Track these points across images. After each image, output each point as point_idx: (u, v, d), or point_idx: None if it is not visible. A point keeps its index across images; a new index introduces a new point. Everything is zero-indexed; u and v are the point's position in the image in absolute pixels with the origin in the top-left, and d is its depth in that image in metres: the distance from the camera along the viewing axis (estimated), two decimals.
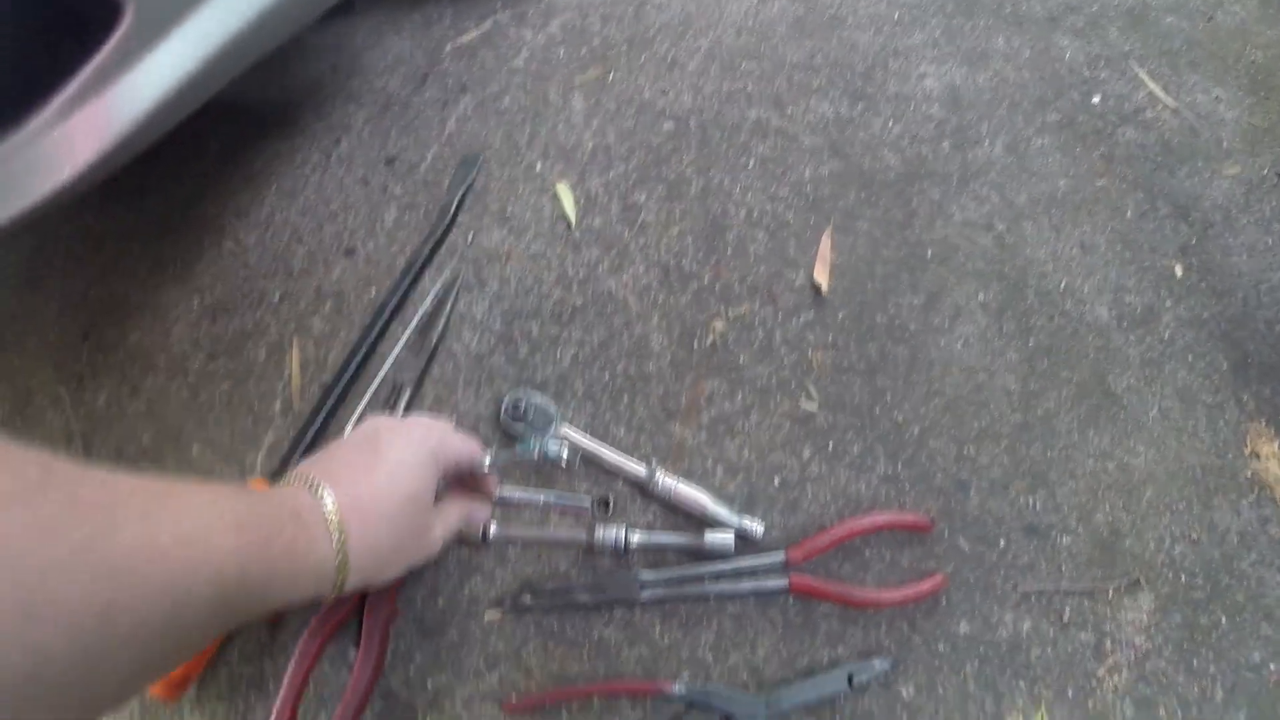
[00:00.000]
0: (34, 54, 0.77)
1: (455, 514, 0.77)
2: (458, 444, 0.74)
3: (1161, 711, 0.82)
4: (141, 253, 1.07)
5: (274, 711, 0.74)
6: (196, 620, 0.44)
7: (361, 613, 0.79)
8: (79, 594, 0.35)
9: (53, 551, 0.35)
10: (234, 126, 1.16)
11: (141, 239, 1.08)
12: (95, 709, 0.39)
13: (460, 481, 0.80)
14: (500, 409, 0.89)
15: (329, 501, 0.58)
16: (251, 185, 1.11)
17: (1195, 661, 0.84)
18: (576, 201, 1.05)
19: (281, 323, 1.00)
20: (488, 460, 0.81)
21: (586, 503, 0.86)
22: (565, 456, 0.85)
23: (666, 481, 0.84)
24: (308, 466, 0.64)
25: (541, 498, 0.86)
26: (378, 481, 0.62)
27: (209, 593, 0.44)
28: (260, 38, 0.91)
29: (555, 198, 1.05)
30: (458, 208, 1.05)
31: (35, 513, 0.35)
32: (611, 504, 0.86)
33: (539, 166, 1.08)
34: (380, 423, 0.70)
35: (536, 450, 0.84)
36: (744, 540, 0.84)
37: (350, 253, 1.04)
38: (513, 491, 0.86)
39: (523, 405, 0.87)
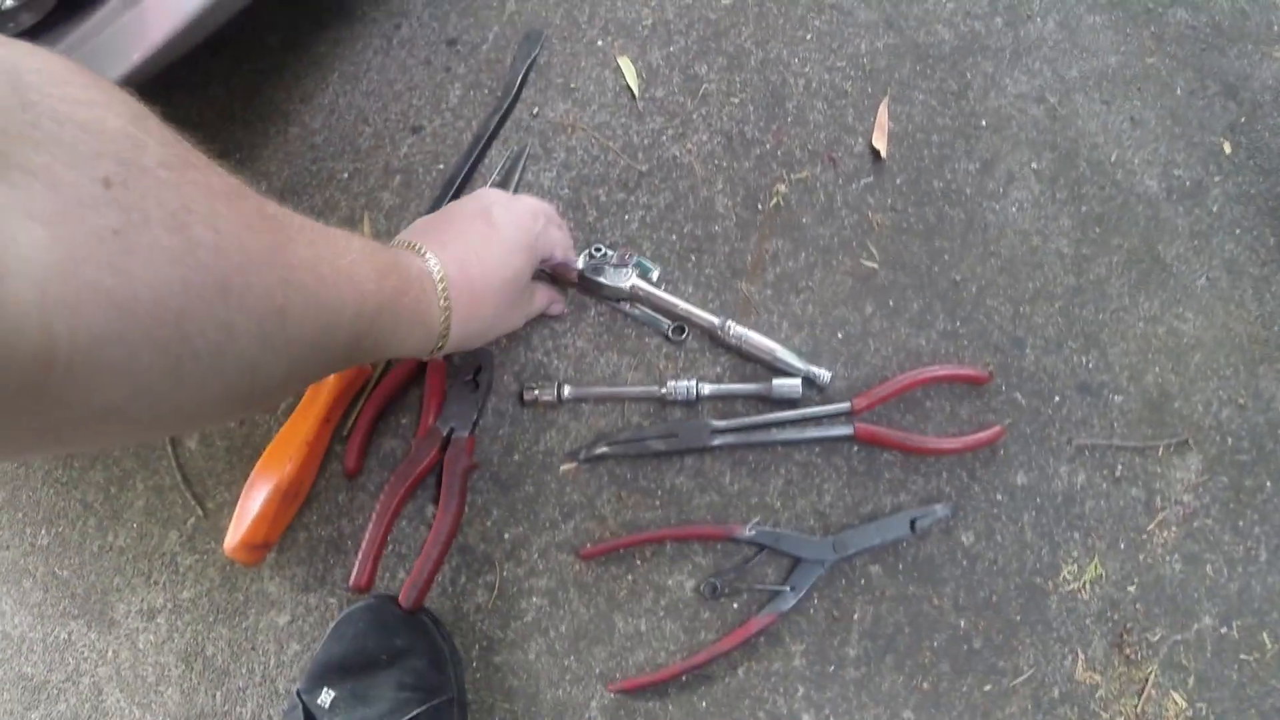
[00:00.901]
0: None
1: (542, 297, 0.73)
2: (557, 234, 0.69)
3: (1208, 569, 0.73)
4: (207, 140, 0.93)
5: (354, 568, 0.66)
6: (336, 344, 0.43)
7: (440, 469, 0.70)
8: (263, 289, 0.35)
9: (249, 245, 0.35)
10: (293, 16, 1.01)
11: (207, 128, 0.95)
12: (253, 398, 0.39)
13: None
14: (577, 261, 0.77)
15: (437, 272, 0.55)
16: (315, 72, 0.97)
17: (1241, 523, 0.74)
18: (639, 74, 0.90)
19: (352, 198, 0.88)
20: (580, 260, 0.75)
21: (665, 325, 0.76)
22: (656, 275, 0.78)
23: (737, 329, 0.73)
24: (421, 232, 0.60)
25: (626, 307, 0.77)
26: (488, 258, 0.59)
27: (350, 322, 0.43)
28: None
29: (617, 70, 0.91)
30: (522, 83, 0.91)
31: (237, 209, 0.35)
32: (686, 333, 0.76)
33: (600, 42, 0.93)
34: (493, 197, 0.64)
35: (630, 265, 0.77)
36: (810, 387, 0.73)
37: (417, 130, 0.91)
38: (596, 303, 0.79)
39: (601, 252, 0.76)
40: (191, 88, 0.98)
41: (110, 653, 0.72)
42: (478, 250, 0.58)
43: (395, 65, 0.97)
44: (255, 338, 0.35)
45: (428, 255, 0.55)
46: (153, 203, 0.29)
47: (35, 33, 0.67)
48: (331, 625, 0.64)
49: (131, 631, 0.72)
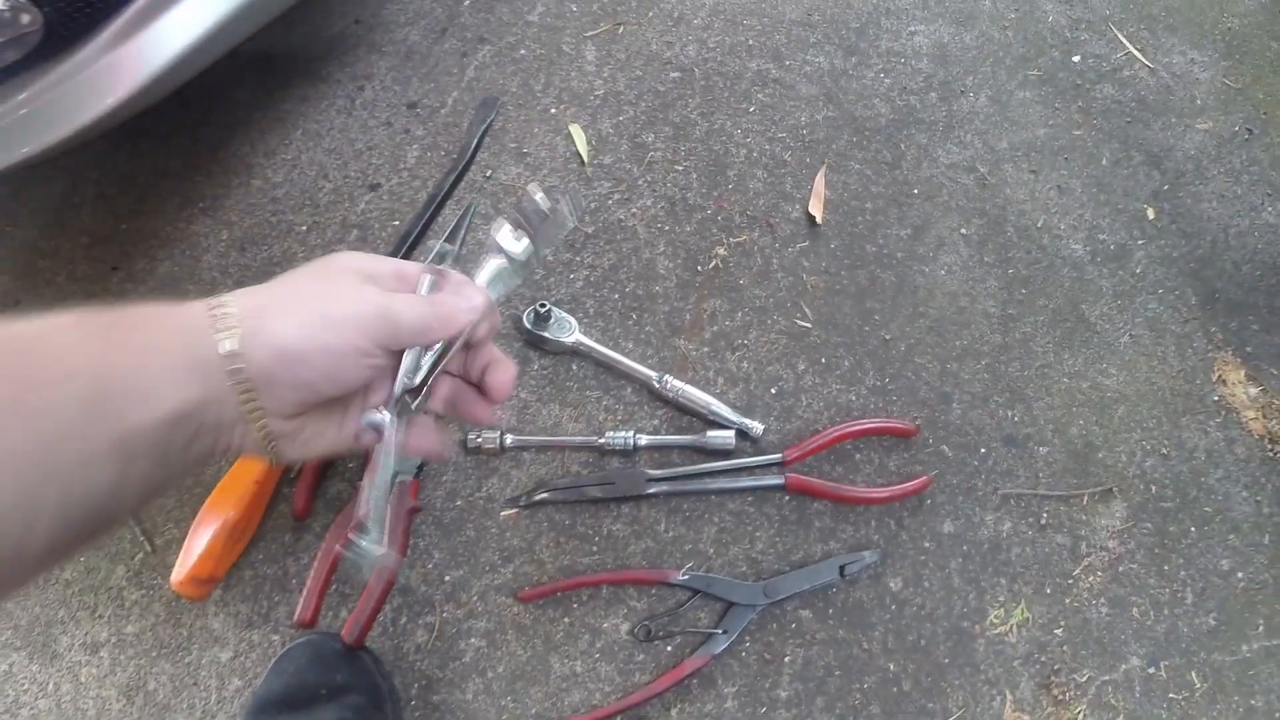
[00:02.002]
0: None
1: (414, 298, 0.47)
2: (449, 300, 0.49)
3: (1135, 611, 0.85)
4: (171, 190, 1.09)
5: (299, 604, 0.77)
6: (71, 433, 0.34)
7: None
8: None
9: None
10: (261, 74, 1.18)
11: (172, 177, 1.10)
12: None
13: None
14: (522, 317, 0.91)
15: (228, 302, 0.41)
16: (279, 128, 1.13)
17: (1166, 567, 0.87)
18: (589, 141, 1.07)
19: (309, 251, 1.02)
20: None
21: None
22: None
23: (675, 383, 0.87)
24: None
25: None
26: (300, 274, 0.44)
27: (66, 392, 0.35)
28: None
29: (569, 138, 1.08)
30: (477, 146, 1.07)
31: None
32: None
33: (553, 110, 1.11)
34: (345, 254, 0.46)
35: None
36: (744, 440, 0.87)
37: (375, 188, 1.06)
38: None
39: (547, 309, 0.90)
40: (159, 137, 1.14)
41: (51, 685, 0.81)
42: (288, 279, 0.44)
43: (357, 125, 1.13)
44: None
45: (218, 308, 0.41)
46: None
47: (15, 70, 0.80)
48: (273, 661, 0.74)
49: (74, 664, 0.81)
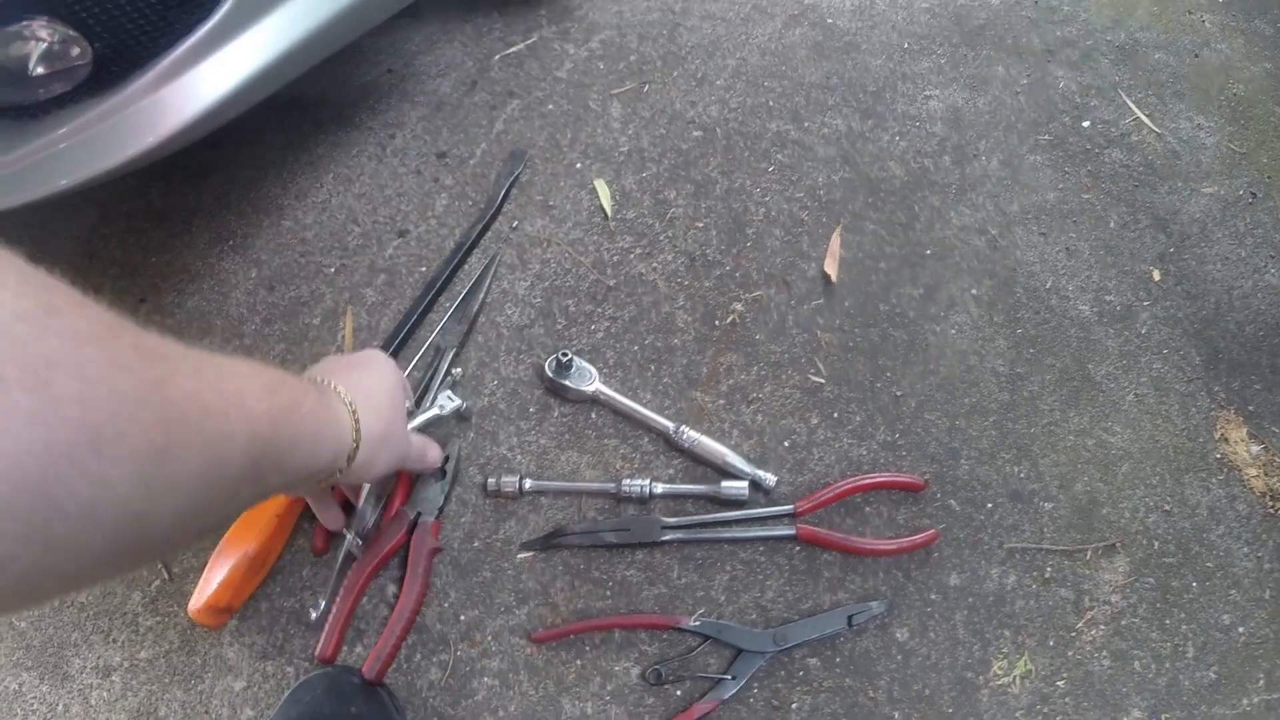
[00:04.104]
0: (144, 20, 0.85)
1: (419, 437, 0.86)
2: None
3: (1136, 664, 0.90)
4: (202, 227, 1.16)
5: (321, 638, 0.83)
6: (229, 475, 0.46)
7: (407, 549, 0.88)
8: (140, 432, 0.37)
9: (122, 388, 0.36)
10: (295, 119, 1.27)
11: (203, 214, 1.18)
12: (144, 551, 0.41)
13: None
14: (545, 366, 0.98)
15: (340, 385, 0.66)
16: (311, 171, 1.21)
17: (1168, 621, 0.92)
18: (612, 196, 1.15)
19: (337, 292, 1.09)
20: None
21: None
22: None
23: (691, 434, 0.93)
24: (308, 372, 0.73)
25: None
26: (373, 374, 0.74)
27: (242, 448, 0.46)
28: (338, 31, 1.00)
29: (593, 192, 1.16)
30: (504, 198, 1.15)
31: (108, 352, 0.37)
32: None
33: (579, 165, 1.19)
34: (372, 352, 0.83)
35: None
36: (757, 490, 0.93)
37: (403, 234, 1.14)
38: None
39: (569, 359, 0.96)
40: (192, 173, 1.22)
41: (61, 707, 0.86)
42: (362, 372, 0.73)
43: (387, 172, 1.21)
44: (135, 485, 0.36)
45: (324, 377, 0.67)
46: (6, 363, 0.31)
47: (62, 102, 0.86)
48: (289, 691, 0.79)
49: (85, 687, 0.86)
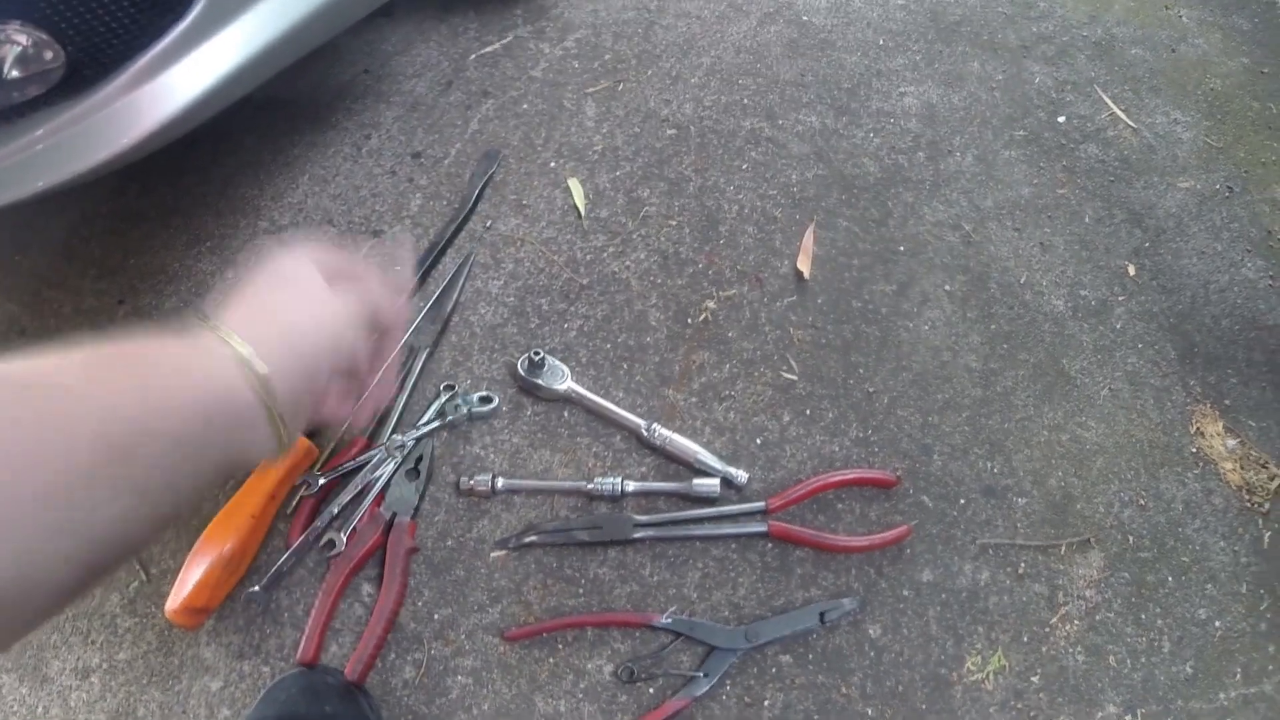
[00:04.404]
0: (116, 23, 0.86)
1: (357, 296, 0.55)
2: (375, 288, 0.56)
3: (1111, 660, 0.90)
4: (180, 227, 1.17)
5: (302, 641, 0.83)
6: (84, 473, 0.36)
7: (384, 549, 0.88)
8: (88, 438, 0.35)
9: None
10: (271, 120, 1.27)
11: (181, 215, 1.18)
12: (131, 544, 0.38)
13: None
14: (517, 364, 0.98)
15: (250, 357, 0.45)
16: (287, 172, 1.21)
17: (1143, 615, 0.92)
18: (586, 195, 1.15)
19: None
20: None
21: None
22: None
23: (662, 432, 0.93)
24: (227, 307, 0.50)
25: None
26: (259, 281, 0.50)
27: (75, 431, 0.36)
28: (312, 32, 1.01)
29: (567, 191, 1.16)
30: (478, 197, 1.15)
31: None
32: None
33: (553, 164, 1.19)
34: (282, 257, 0.54)
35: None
36: (728, 488, 0.93)
37: (378, 234, 1.14)
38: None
39: (541, 357, 0.97)
40: (170, 174, 1.22)
41: (40, 708, 0.86)
42: (249, 286, 0.50)
43: (363, 172, 1.22)
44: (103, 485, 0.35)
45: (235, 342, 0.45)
46: None
47: (37, 105, 0.86)
48: (264, 690, 0.79)
49: (64, 689, 0.86)
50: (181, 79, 0.91)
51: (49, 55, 0.85)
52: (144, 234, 1.17)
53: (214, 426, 0.43)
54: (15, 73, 0.83)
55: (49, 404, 0.37)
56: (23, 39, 0.82)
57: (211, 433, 0.43)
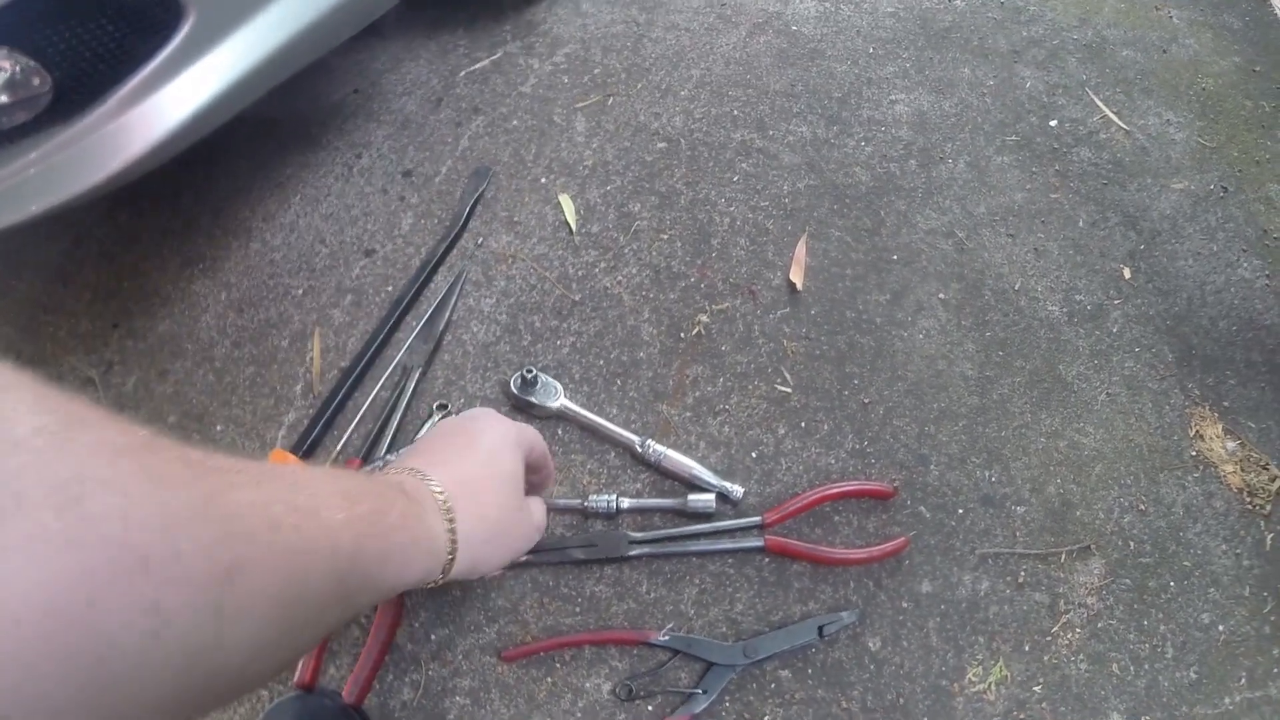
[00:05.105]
0: (102, 48, 0.87)
1: (540, 506, 0.75)
2: (531, 432, 0.74)
3: (1114, 667, 0.90)
4: (173, 250, 1.18)
5: (298, 668, 0.83)
6: (316, 598, 0.41)
7: None
8: (198, 550, 0.33)
9: (171, 503, 0.33)
10: (263, 140, 1.28)
11: (174, 237, 1.19)
12: (219, 689, 0.36)
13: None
14: (510, 382, 0.99)
15: (435, 480, 0.58)
16: (278, 193, 1.23)
17: (1146, 622, 0.92)
18: (577, 210, 1.16)
19: (304, 314, 1.10)
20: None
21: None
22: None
23: (657, 448, 0.94)
24: (403, 459, 0.64)
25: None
26: (478, 458, 0.64)
27: (325, 567, 0.42)
28: (299, 51, 1.02)
29: (558, 207, 1.17)
30: (469, 215, 1.16)
31: (147, 465, 0.33)
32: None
33: (543, 180, 1.20)
34: (468, 412, 0.72)
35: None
36: (724, 503, 0.93)
37: (369, 254, 1.15)
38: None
39: (534, 375, 0.97)
40: (163, 197, 1.24)
41: None
42: (465, 456, 0.63)
43: (354, 192, 1.23)
44: (200, 611, 0.33)
45: (420, 471, 0.59)
46: (30, 481, 0.28)
47: (26, 130, 0.87)
48: (263, 713, 0.80)
49: None
50: (171, 101, 0.92)
51: (36, 81, 0.86)
52: (137, 257, 1.18)
53: (408, 581, 0.54)
54: (3, 98, 0.84)
55: (317, 538, 0.42)
56: (9, 65, 0.84)
57: (404, 585, 0.54)
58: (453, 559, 0.58)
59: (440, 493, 0.58)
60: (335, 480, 0.48)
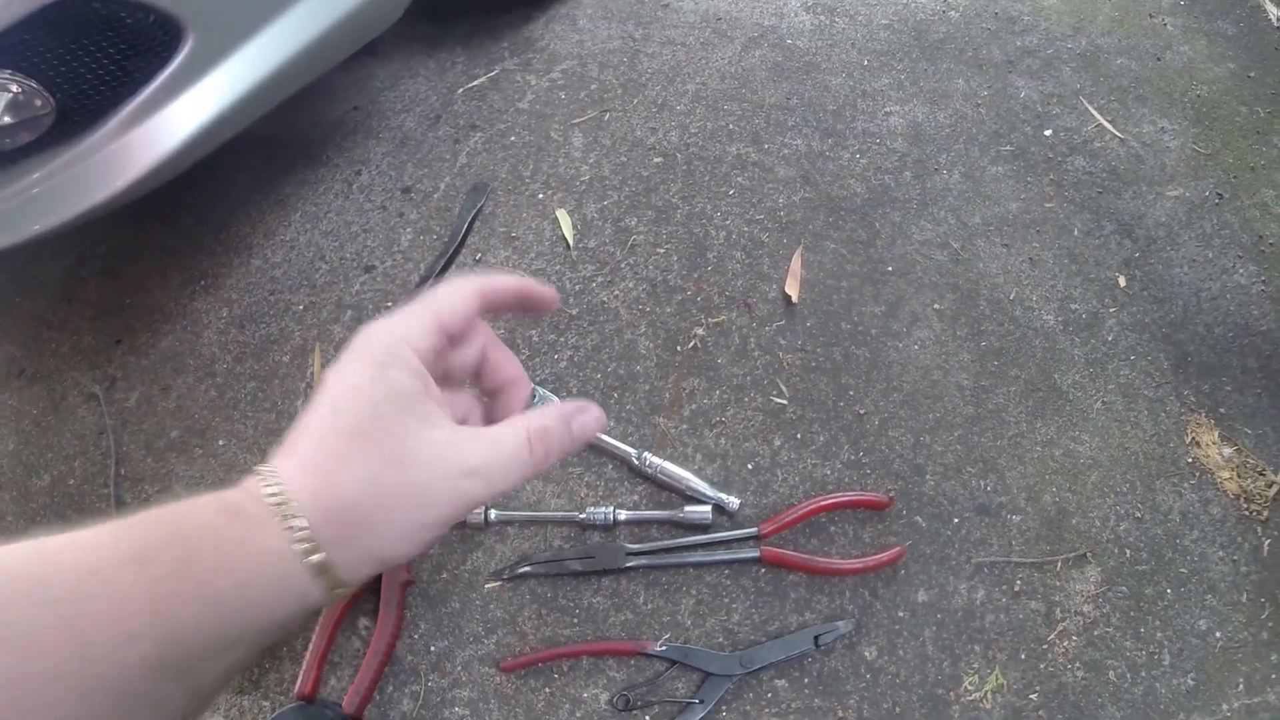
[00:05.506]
0: (104, 70, 0.90)
1: (519, 428, 0.42)
2: (441, 296, 0.44)
3: (1111, 674, 0.91)
4: (175, 267, 1.20)
5: (300, 675, 0.85)
6: (121, 701, 0.32)
7: (379, 582, 0.90)
8: None
9: None
10: (263, 158, 1.31)
11: (175, 254, 1.22)
12: None
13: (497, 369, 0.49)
14: None
15: (274, 472, 0.39)
16: (279, 209, 1.25)
17: (1142, 629, 0.93)
18: (574, 225, 1.18)
19: (305, 330, 1.12)
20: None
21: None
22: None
23: (654, 460, 0.96)
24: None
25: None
26: (323, 410, 0.40)
27: (118, 661, 0.32)
28: (298, 71, 1.04)
29: (555, 222, 1.19)
30: (467, 230, 1.18)
31: None
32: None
33: (541, 195, 1.22)
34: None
35: None
36: (720, 514, 0.95)
37: (369, 269, 1.17)
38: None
39: (531, 389, 0.99)
40: (165, 215, 1.26)
41: None
42: (308, 422, 0.41)
43: (354, 208, 1.25)
44: None
45: (263, 468, 0.39)
46: None
47: (29, 151, 0.90)
48: None
49: None
50: (172, 122, 0.94)
51: (39, 102, 0.89)
52: (140, 274, 1.20)
53: (275, 621, 0.38)
54: (7, 119, 0.87)
55: (97, 621, 0.32)
56: (13, 87, 0.86)
57: (273, 627, 0.38)
58: (324, 563, 0.38)
59: (272, 490, 0.38)
60: (116, 544, 0.35)
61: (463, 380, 0.48)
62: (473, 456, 0.40)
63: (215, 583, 0.35)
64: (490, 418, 0.49)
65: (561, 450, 0.43)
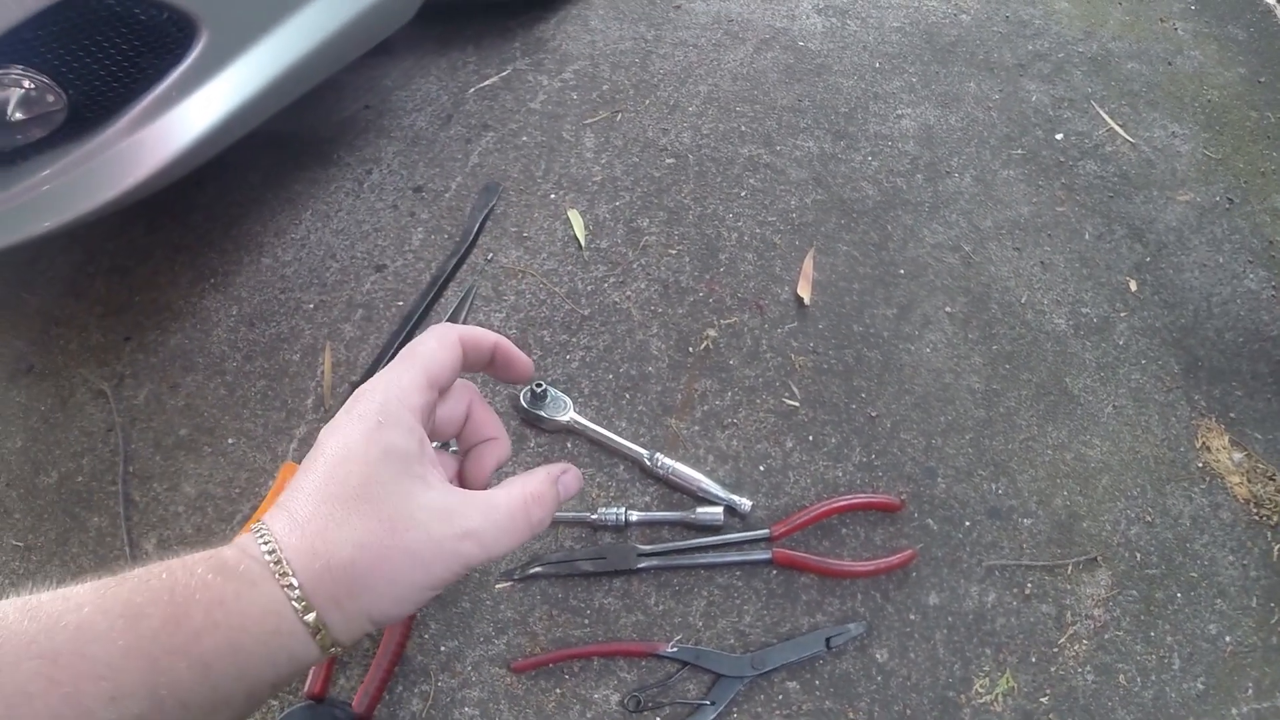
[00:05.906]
0: (116, 67, 0.90)
1: (515, 493, 0.44)
2: (431, 342, 0.45)
3: (1121, 678, 0.92)
4: (185, 265, 1.21)
5: (309, 677, 0.85)
6: None
7: None
8: None
9: None
10: (275, 156, 1.31)
11: (185, 252, 1.22)
12: None
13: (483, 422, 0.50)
14: (520, 396, 1.01)
15: (270, 529, 0.39)
16: (289, 208, 1.25)
17: (1153, 633, 0.94)
18: (586, 226, 1.19)
19: (315, 328, 1.13)
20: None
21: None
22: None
23: (666, 461, 0.96)
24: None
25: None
26: (318, 467, 0.41)
27: (117, 716, 0.32)
28: (311, 70, 1.05)
29: (567, 222, 1.19)
30: (479, 230, 1.19)
31: None
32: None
33: (553, 195, 1.23)
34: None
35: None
36: (732, 515, 0.95)
37: (380, 269, 1.17)
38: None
39: (543, 389, 1.00)
40: (175, 212, 1.26)
41: None
42: (303, 480, 0.41)
43: (365, 207, 1.25)
44: None
45: (259, 524, 0.40)
46: None
47: (41, 147, 0.90)
48: None
49: None
50: (184, 119, 0.95)
51: (51, 98, 0.89)
52: (150, 271, 1.21)
53: (266, 681, 0.38)
54: (19, 115, 0.87)
55: (89, 679, 0.32)
56: (25, 83, 0.87)
57: (264, 687, 0.38)
58: (318, 624, 0.38)
59: (268, 547, 0.38)
60: (107, 601, 0.34)
61: (448, 436, 0.48)
62: (469, 520, 0.41)
63: (207, 641, 0.35)
64: (465, 473, 0.50)
65: (551, 513, 0.45)
